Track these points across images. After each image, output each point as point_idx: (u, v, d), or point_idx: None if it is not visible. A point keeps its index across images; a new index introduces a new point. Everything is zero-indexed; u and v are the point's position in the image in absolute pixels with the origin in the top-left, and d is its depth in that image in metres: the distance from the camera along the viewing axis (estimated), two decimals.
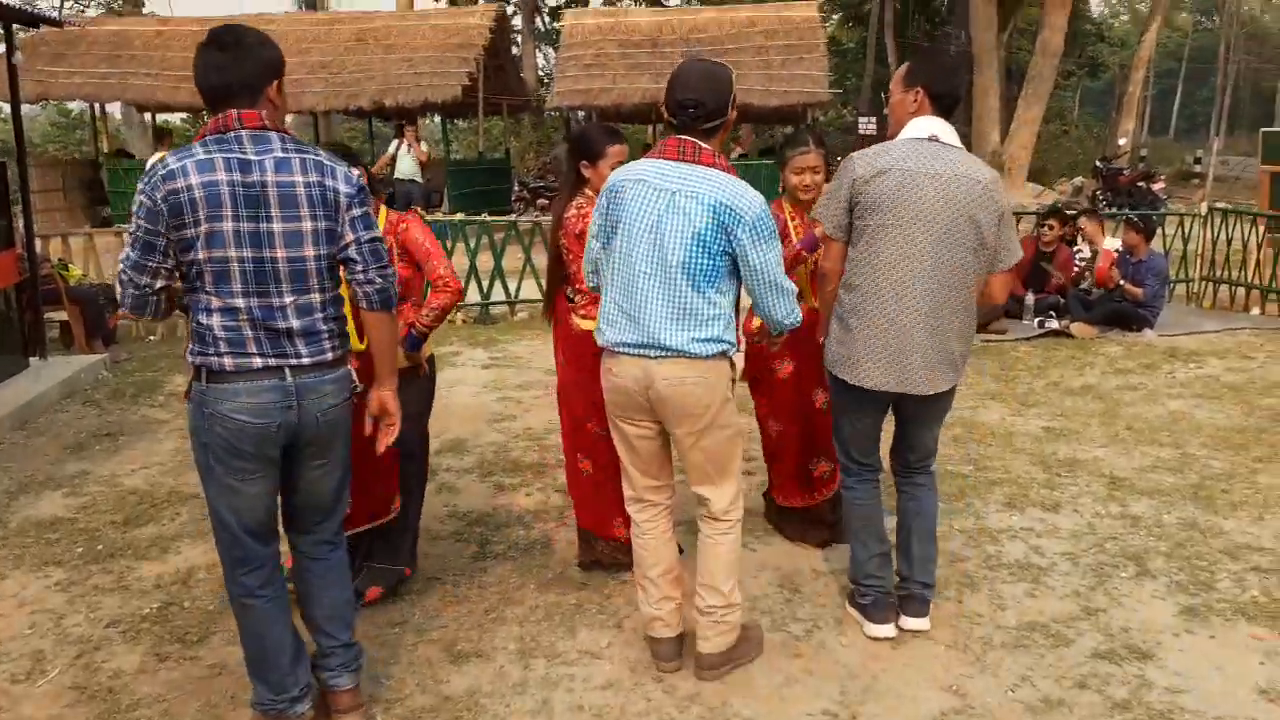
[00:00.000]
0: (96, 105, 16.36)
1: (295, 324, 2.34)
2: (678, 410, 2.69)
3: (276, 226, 2.29)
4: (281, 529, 2.58)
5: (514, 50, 33.23)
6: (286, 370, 2.35)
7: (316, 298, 2.37)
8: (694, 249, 2.59)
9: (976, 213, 2.84)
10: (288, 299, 2.33)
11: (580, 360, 3.35)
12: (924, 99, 2.94)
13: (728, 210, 2.58)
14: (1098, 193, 16.35)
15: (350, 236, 2.38)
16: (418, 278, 3.35)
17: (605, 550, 3.57)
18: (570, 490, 3.70)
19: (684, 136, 2.66)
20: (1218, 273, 8.75)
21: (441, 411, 5.59)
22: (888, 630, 3.11)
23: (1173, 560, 3.69)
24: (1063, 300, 8.06)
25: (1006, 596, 3.43)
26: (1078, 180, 17.64)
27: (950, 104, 2.97)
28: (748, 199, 2.61)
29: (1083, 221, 8.37)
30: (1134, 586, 3.49)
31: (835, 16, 36.43)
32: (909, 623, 3.16)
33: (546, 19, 34.27)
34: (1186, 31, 56.10)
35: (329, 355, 2.41)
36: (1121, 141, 18.27)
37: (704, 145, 2.65)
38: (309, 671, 2.63)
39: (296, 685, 2.58)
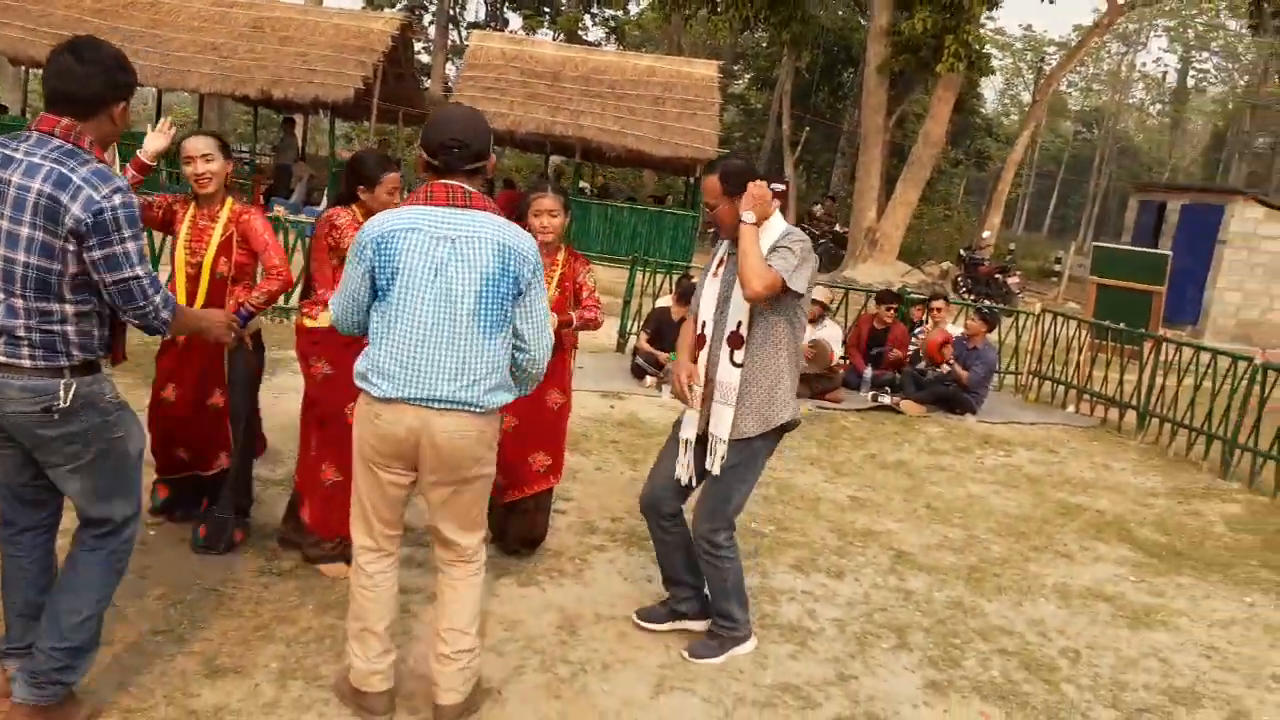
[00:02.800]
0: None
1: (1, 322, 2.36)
2: (449, 461, 2.66)
3: (4, 225, 2.33)
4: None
5: (425, 59, 33.13)
6: None
7: (19, 304, 2.35)
8: (485, 294, 2.59)
9: None
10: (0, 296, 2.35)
11: (331, 355, 3.57)
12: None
13: (512, 252, 2.63)
14: (959, 278, 17.29)
15: (95, 277, 2.39)
16: (252, 263, 3.74)
17: (321, 548, 3.76)
18: (305, 490, 3.78)
19: (449, 181, 2.62)
20: (1043, 369, 9.38)
21: (265, 418, 5.51)
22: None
23: (931, 635, 3.94)
24: (898, 377, 8.51)
25: (770, 656, 3.60)
26: (945, 264, 18.61)
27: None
28: (526, 239, 2.69)
29: (937, 304, 8.87)
30: (890, 657, 3.72)
31: (747, 76, 37.69)
32: (696, 625, 3.66)
33: (462, 34, 34.19)
34: (1067, 139, 60.15)
35: (23, 362, 2.37)
36: (985, 234, 19.39)
37: (471, 189, 2.64)
38: (34, 634, 2.61)
39: (21, 639, 2.66)
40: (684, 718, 3.11)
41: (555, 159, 20.67)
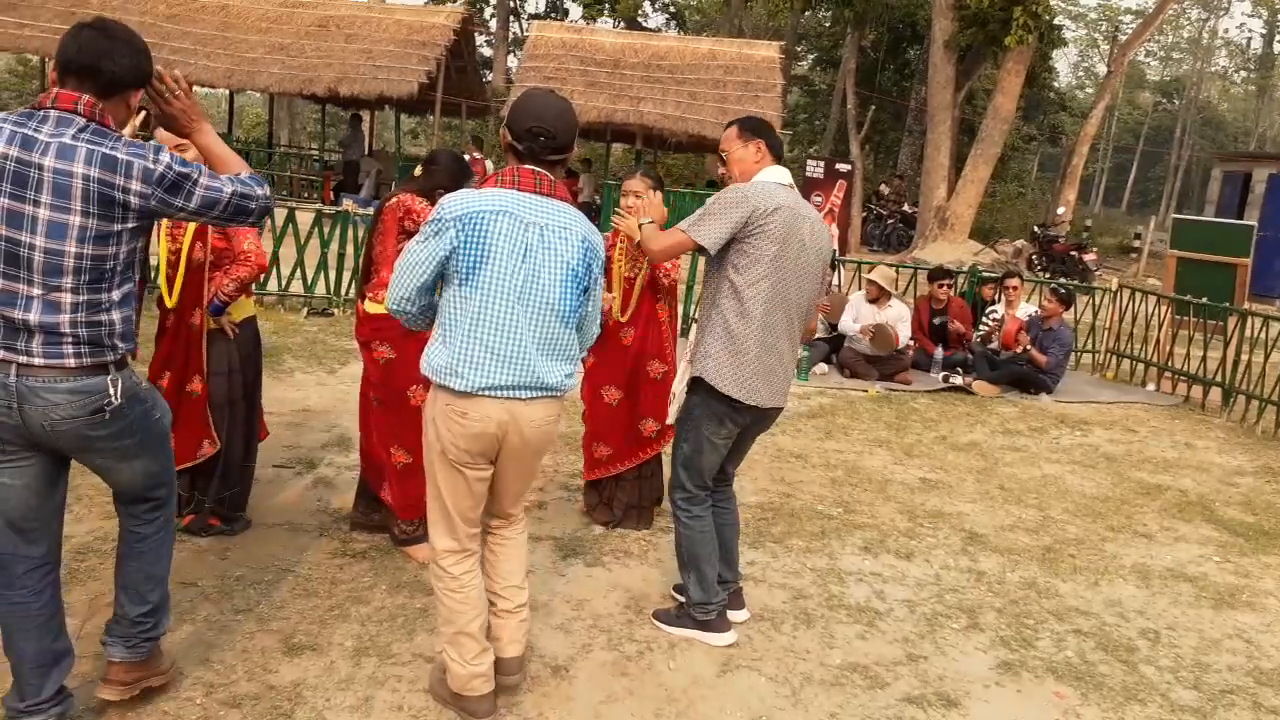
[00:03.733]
0: (48, 59, 16.10)
1: (35, 319, 2.20)
2: (535, 448, 2.71)
3: (43, 213, 2.17)
4: None
5: (487, 52, 33.43)
6: (12, 368, 2.21)
7: (66, 297, 2.21)
8: (567, 284, 2.62)
9: (827, 254, 3.33)
10: (35, 291, 2.20)
11: (394, 339, 3.63)
12: (764, 151, 3.29)
13: (592, 247, 2.70)
14: (1033, 256, 16.84)
15: (207, 220, 2.39)
16: (230, 249, 3.67)
17: (404, 530, 3.84)
18: (375, 474, 3.88)
19: (537, 168, 2.63)
20: (1122, 346, 9.09)
21: (337, 405, 5.66)
22: (734, 635, 3.42)
23: (1004, 616, 3.87)
24: (970, 358, 8.34)
25: (838, 636, 3.57)
26: (1019, 242, 18.14)
27: (779, 157, 3.33)
28: (599, 235, 2.76)
29: (1012, 281, 8.66)
30: (961, 638, 3.66)
31: (811, 57, 37.20)
32: (737, 615, 3.53)
33: (523, 25, 34.39)
34: (1146, 110, 58.08)
35: (67, 361, 2.23)
36: (1060, 210, 18.83)
37: (556, 179, 2.67)
38: (57, 683, 2.50)
39: (39, 693, 2.45)
40: (751, 696, 3.11)
41: (616, 146, 20.71)
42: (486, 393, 2.56)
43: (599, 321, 2.86)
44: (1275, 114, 55.56)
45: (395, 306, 2.66)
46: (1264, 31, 54.00)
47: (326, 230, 8.42)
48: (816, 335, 8.22)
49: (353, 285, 7.84)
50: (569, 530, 4.25)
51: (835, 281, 8.82)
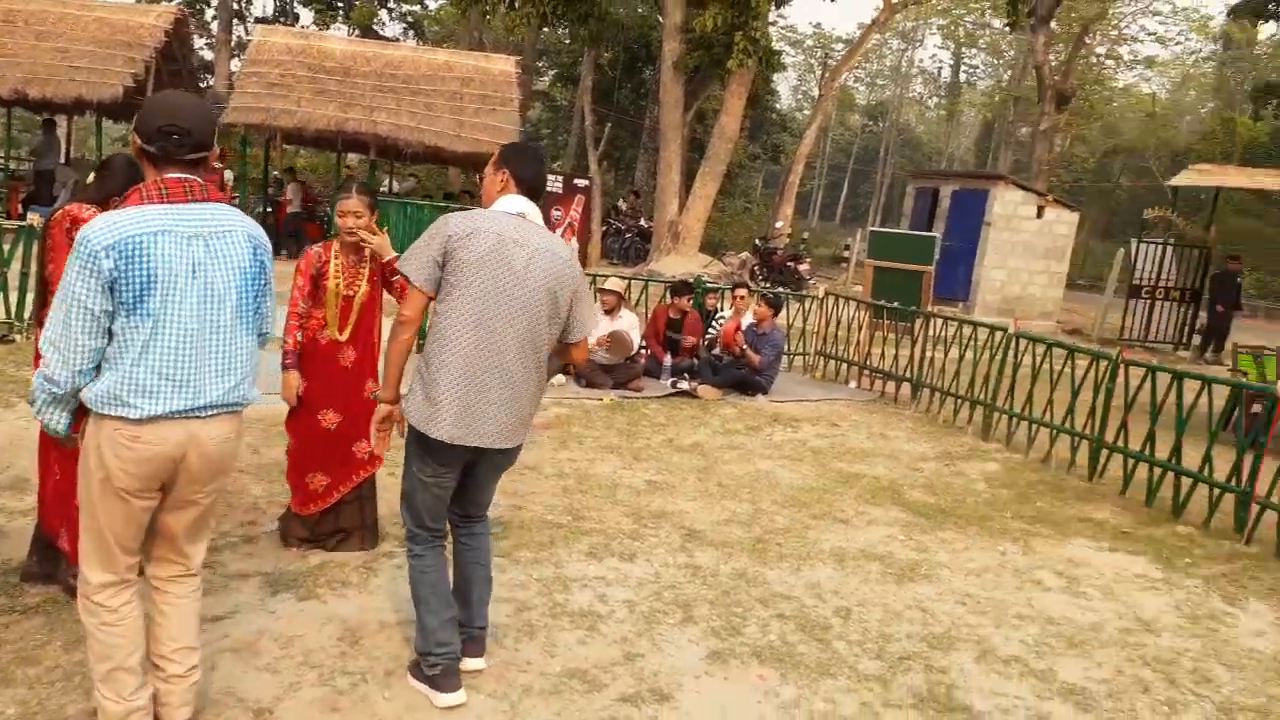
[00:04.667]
0: None
1: None
2: (216, 468, 2.60)
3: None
4: None
5: (208, 55, 31.23)
6: None
7: None
8: (244, 290, 2.57)
9: (555, 285, 3.10)
10: None
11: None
12: (510, 180, 3.21)
13: (259, 243, 2.65)
14: (755, 268, 18.01)
15: None
16: None
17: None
18: (55, 520, 3.54)
19: (182, 175, 2.49)
20: (828, 348, 9.92)
21: (14, 443, 5.07)
22: (459, 697, 3.13)
23: (716, 607, 4.10)
24: (696, 364, 8.80)
25: (559, 644, 3.64)
26: (744, 255, 19.32)
27: (531, 188, 3.23)
28: (260, 228, 2.69)
29: (740, 291, 9.23)
30: (676, 632, 3.84)
31: (551, 73, 37.76)
32: (470, 664, 3.30)
33: (248, 29, 32.43)
34: (856, 131, 63.85)
35: None
36: (779, 224, 20.30)
37: (204, 180, 2.53)
38: None
39: None
40: (469, 717, 3.10)
41: (352, 156, 20.03)
42: (163, 417, 2.45)
43: (272, 320, 2.77)
44: (962, 136, 62.76)
45: (64, 382, 2.39)
46: (952, 63, 60.96)
47: (7, 247, 7.56)
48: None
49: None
50: (280, 564, 4.05)
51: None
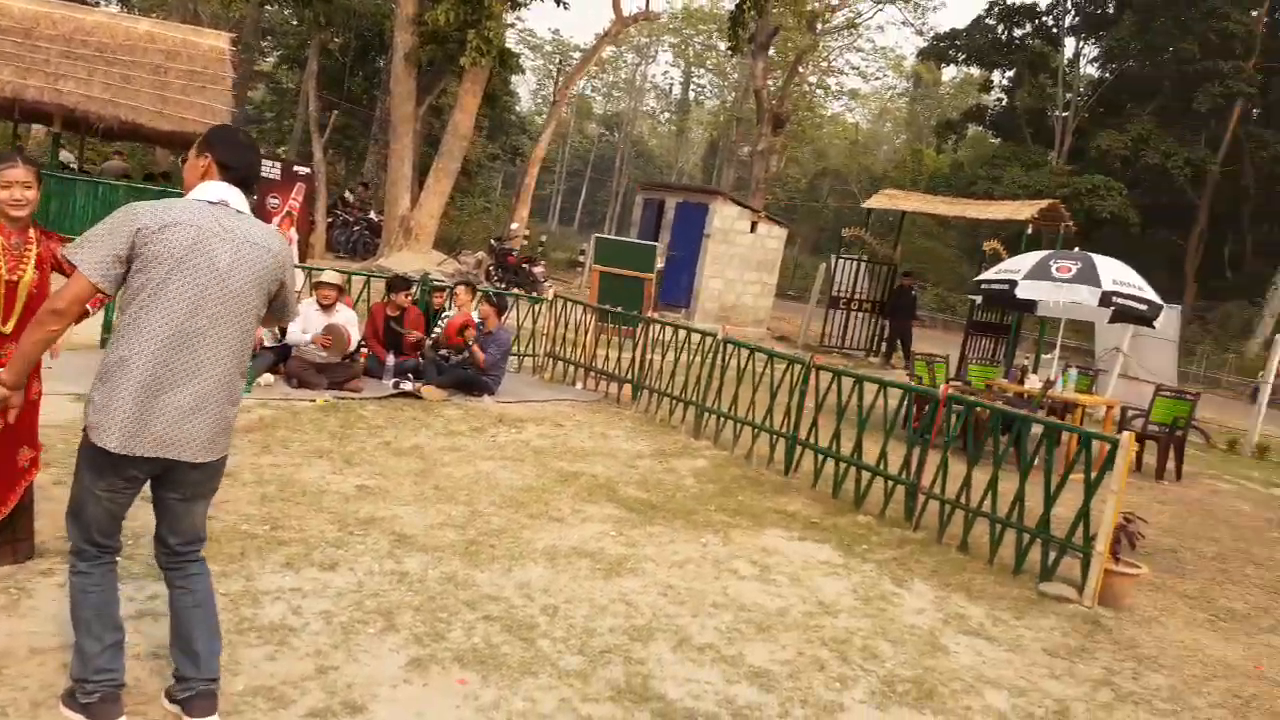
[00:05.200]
0: None
1: None
2: None
3: None
4: None
5: None
6: None
7: None
8: None
9: (264, 280, 2.92)
10: None
11: None
12: (212, 166, 2.97)
13: None
14: (491, 268, 17.93)
15: None
16: None
17: None
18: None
19: None
20: (557, 350, 10.05)
21: None
22: None
23: (420, 613, 4.00)
24: (421, 363, 8.60)
25: (244, 661, 3.39)
26: (479, 254, 19.17)
27: (239, 176, 3.00)
28: None
29: (459, 289, 9.10)
30: (375, 642, 3.70)
31: (277, 54, 35.54)
32: None
33: None
34: (594, 140, 65.41)
35: None
36: (514, 225, 20.35)
37: None
38: None
39: None
40: None
41: (37, 127, 17.85)
42: None
43: None
44: (690, 152, 66.03)
45: None
46: (682, 80, 63.95)
47: None
48: (264, 345, 7.86)
49: None
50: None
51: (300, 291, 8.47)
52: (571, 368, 9.98)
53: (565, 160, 60.46)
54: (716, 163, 53.46)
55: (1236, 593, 6.16)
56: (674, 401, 8.66)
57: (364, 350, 8.51)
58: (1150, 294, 9.12)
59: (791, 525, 6.12)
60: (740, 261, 18.43)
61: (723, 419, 8.12)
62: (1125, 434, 5.37)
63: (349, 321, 8.12)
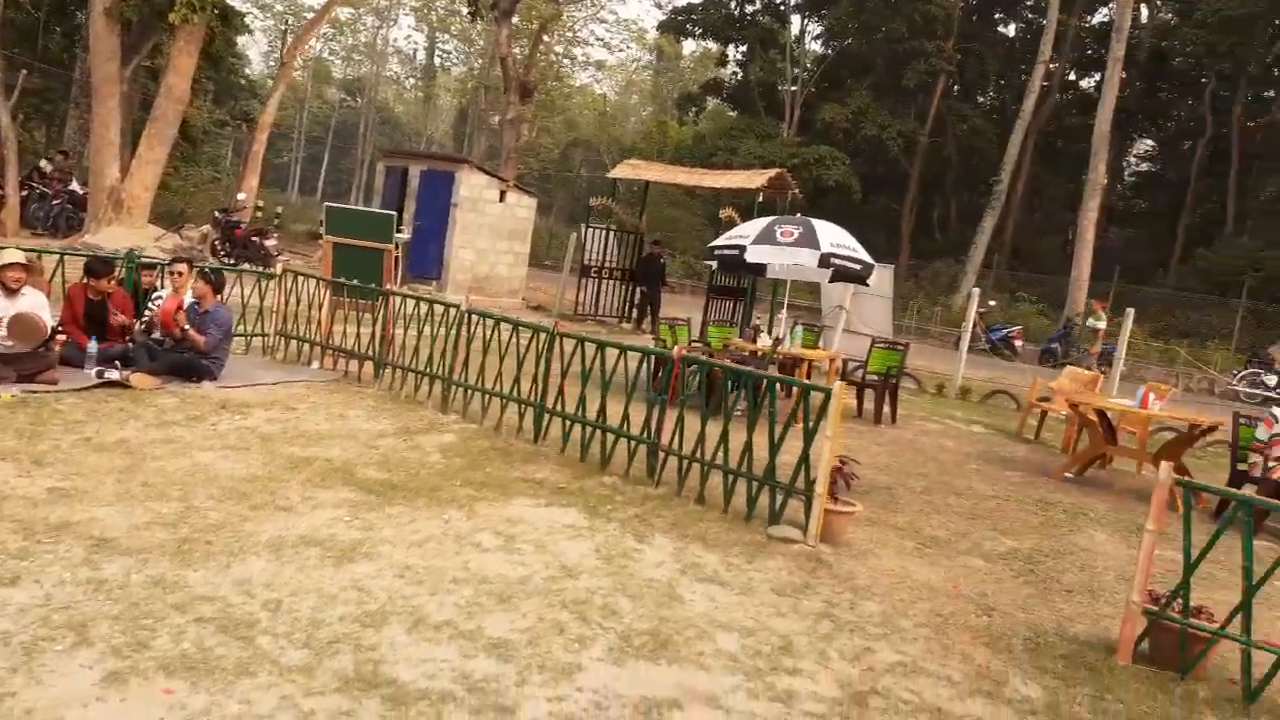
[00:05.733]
0: None
1: None
2: None
3: None
4: None
5: None
6: None
7: None
8: None
9: None
10: None
11: None
12: None
13: None
14: (217, 242, 16.62)
15: None
16: None
17: None
18: None
19: None
20: (289, 328, 9.47)
21: None
22: None
23: (120, 623, 3.63)
24: (130, 349, 7.82)
25: None
26: (205, 228, 17.69)
27: None
28: None
29: (178, 268, 8.35)
30: (64, 659, 3.31)
31: None
32: None
33: None
34: (334, 106, 62.11)
35: None
36: (241, 196, 18.97)
37: None
38: None
39: None
40: None
41: None
42: None
43: None
44: (440, 120, 64.31)
45: None
46: (426, 45, 61.96)
47: None
48: None
49: None
50: None
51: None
52: (306, 346, 9.44)
53: (305, 127, 57.09)
54: (467, 131, 52.44)
55: (940, 521, 6.82)
56: (419, 377, 8.41)
57: (61, 337, 7.61)
58: (863, 255, 9.88)
59: (539, 493, 6.12)
60: (491, 231, 18.20)
61: (470, 392, 7.98)
62: (838, 384, 5.78)
63: (38, 306, 7.22)
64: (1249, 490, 7.39)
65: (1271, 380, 18.18)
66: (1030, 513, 7.44)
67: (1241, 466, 8.13)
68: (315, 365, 9.23)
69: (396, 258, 15.61)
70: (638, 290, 17.67)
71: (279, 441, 6.52)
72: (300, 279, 9.64)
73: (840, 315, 14.14)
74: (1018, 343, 21.85)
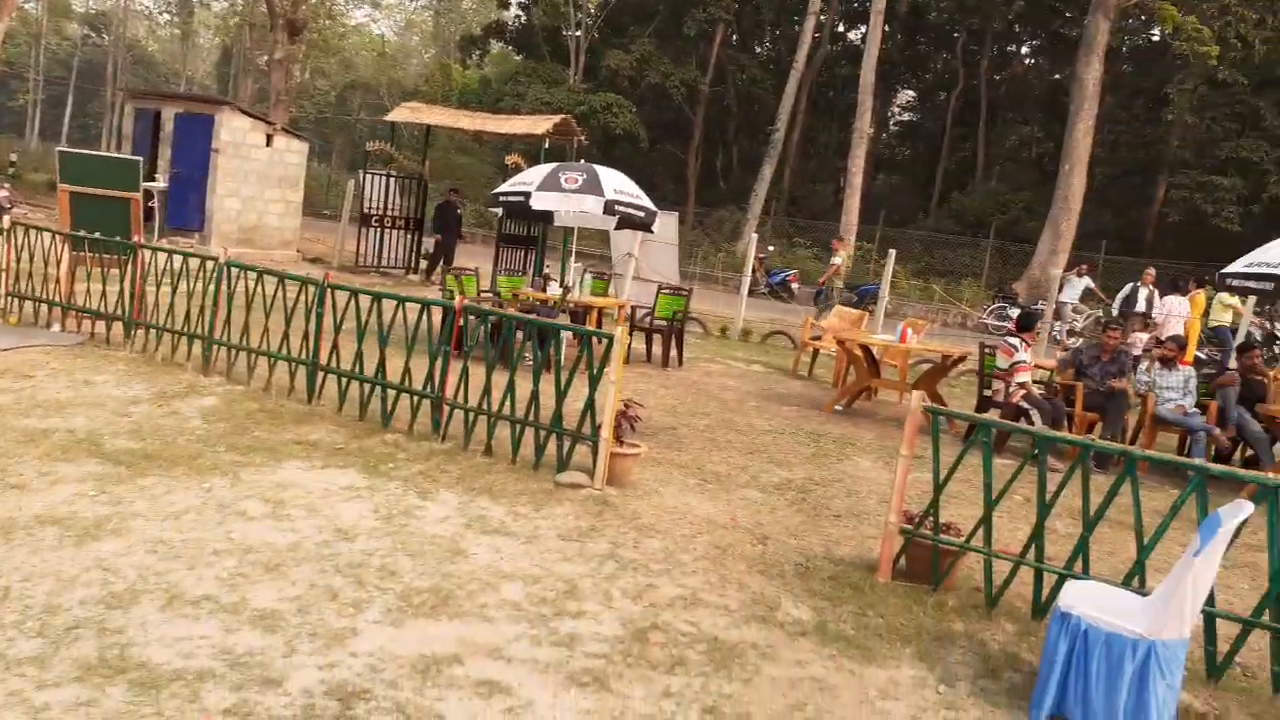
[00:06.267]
0: None
1: None
2: None
3: None
4: None
5: None
6: None
7: None
8: None
9: None
10: None
11: None
12: None
13: None
14: None
15: None
16: None
17: None
18: None
19: None
20: (23, 288, 8.49)
21: None
22: None
23: None
24: None
25: None
26: None
27: None
28: None
29: None
30: None
31: None
32: None
33: None
34: (77, 43, 55.83)
35: None
36: None
37: None
38: None
39: None
40: None
41: None
42: None
43: None
44: (201, 60, 59.27)
45: None
46: None
47: None
48: None
49: None
50: None
51: None
52: (45, 307, 8.50)
53: (42, 66, 51.05)
54: (232, 72, 48.66)
55: (721, 457, 7.06)
56: (176, 337, 7.76)
57: None
58: (646, 202, 9.98)
59: (313, 455, 5.82)
60: (258, 178, 17.01)
61: (235, 351, 7.45)
62: (619, 329, 5.82)
63: None
64: (993, 414, 8.13)
65: (1015, 314, 20.05)
66: (803, 445, 7.85)
67: (987, 392, 8.92)
68: (55, 328, 8.33)
69: (150, 208, 14.35)
70: (434, 240, 17.08)
71: (11, 413, 5.84)
72: (35, 233, 8.63)
73: (630, 263, 14.29)
74: (795, 285, 22.94)
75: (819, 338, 11.72)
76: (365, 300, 6.81)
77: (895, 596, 4.66)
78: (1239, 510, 3.54)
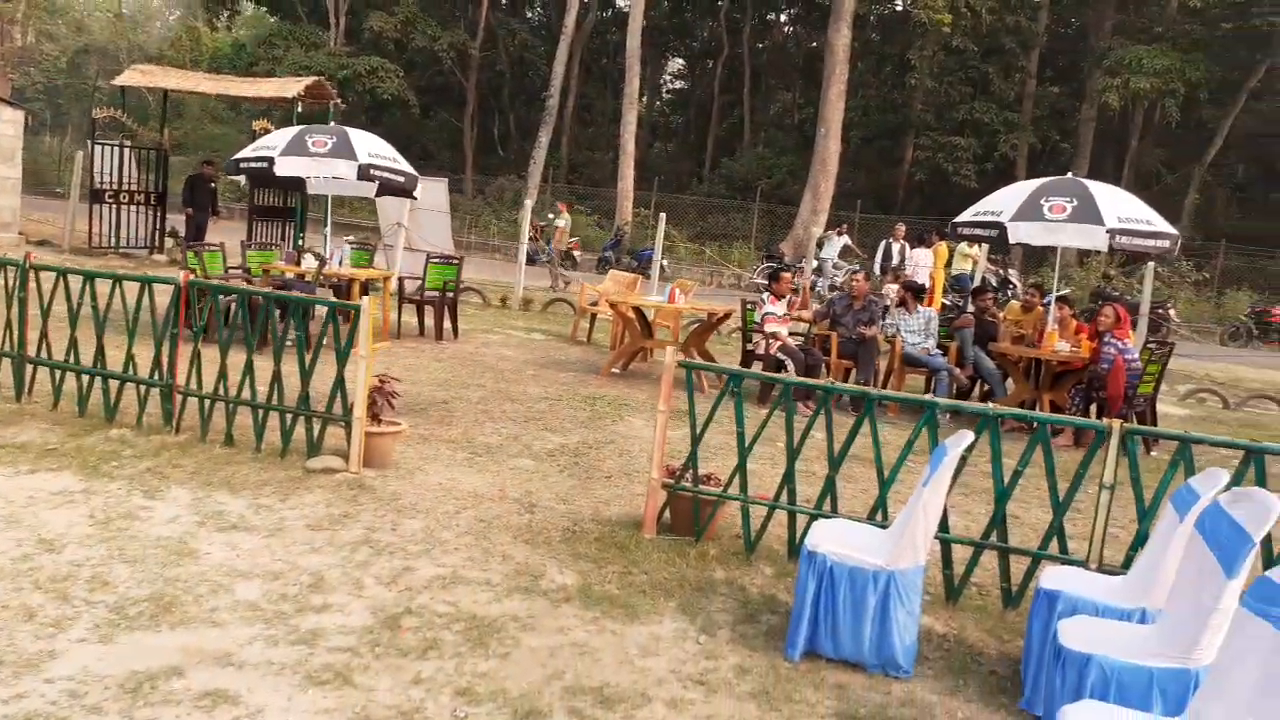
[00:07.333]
0: None
1: None
2: None
3: None
4: None
5: None
6: None
7: None
8: None
9: None
10: None
11: None
12: None
13: None
14: None
15: None
16: None
17: None
18: None
19: None
20: None
21: None
22: None
23: None
24: None
25: None
26: None
27: None
28: None
29: None
30: None
31: None
32: None
33: None
34: None
35: None
36: None
37: None
38: None
39: None
40: None
41: None
42: None
43: None
44: None
45: None
46: None
47: None
48: None
49: None
50: None
51: None
52: None
53: None
54: None
55: (493, 429, 6.86)
56: None
57: None
58: (405, 165, 9.53)
59: (20, 460, 5.13)
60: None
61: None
62: (365, 299, 5.47)
63: None
64: (756, 367, 8.38)
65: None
66: (579, 409, 7.79)
67: (750, 347, 9.19)
68: None
69: None
70: (185, 215, 15.63)
71: None
72: None
73: (400, 233, 13.71)
74: (576, 253, 22.93)
75: (596, 303, 11.71)
76: (76, 281, 6.06)
77: (659, 551, 4.66)
78: (961, 440, 3.74)
